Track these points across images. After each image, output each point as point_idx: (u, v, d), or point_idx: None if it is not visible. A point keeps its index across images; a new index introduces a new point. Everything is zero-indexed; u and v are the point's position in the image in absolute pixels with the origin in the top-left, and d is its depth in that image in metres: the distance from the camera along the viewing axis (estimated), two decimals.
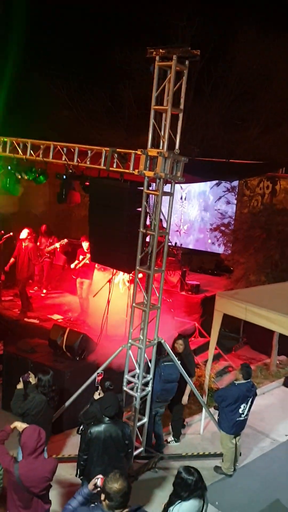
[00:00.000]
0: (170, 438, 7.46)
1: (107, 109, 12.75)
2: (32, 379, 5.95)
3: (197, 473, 4.12)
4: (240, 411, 6.55)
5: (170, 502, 4.10)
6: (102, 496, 3.55)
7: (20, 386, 5.86)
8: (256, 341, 11.47)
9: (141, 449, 6.76)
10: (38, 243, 11.56)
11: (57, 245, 11.65)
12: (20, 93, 12.55)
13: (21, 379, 5.91)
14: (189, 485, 4.02)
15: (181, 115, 6.25)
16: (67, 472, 6.33)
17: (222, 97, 12.81)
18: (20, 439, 4.47)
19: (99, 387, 5.88)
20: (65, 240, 11.74)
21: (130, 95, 12.83)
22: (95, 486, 3.74)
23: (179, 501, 4.04)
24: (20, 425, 4.74)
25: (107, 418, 5.07)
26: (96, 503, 3.65)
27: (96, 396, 5.87)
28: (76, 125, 12.88)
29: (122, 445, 5.10)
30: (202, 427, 7.80)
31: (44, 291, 11.95)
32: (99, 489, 3.69)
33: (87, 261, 10.35)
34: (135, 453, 6.55)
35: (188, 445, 7.44)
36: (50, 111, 13.04)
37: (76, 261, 10.60)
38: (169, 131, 6.10)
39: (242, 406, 6.54)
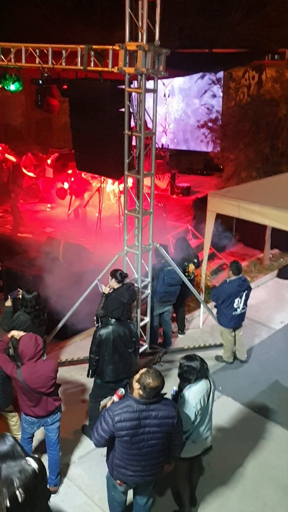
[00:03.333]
0: (176, 330, 7.92)
1: (78, 2, 11.73)
2: None
3: (199, 357, 4.33)
4: (235, 305, 6.76)
5: (180, 389, 4.33)
6: (136, 385, 3.76)
7: (8, 303, 5.77)
8: (249, 238, 11.63)
9: (146, 346, 7.10)
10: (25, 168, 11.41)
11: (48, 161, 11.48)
12: None
13: (9, 296, 5.82)
14: (195, 369, 4.24)
15: (158, 2, 5.75)
16: (78, 373, 6.72)
17: None
18: (17, 347, 4.63)
19: (113, 278, 6.02)
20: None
21: None
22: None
23: (188, 386, 4.26)
24: (17, 334, 4.85)
25: (113, 320, 5.26)
26: (126, 394, 3.89)
27: (107, 290, 6.06)
28: (46, 24, 11.95)
29: (130, 342, 5.36)
30: (201, 322, 8.15)
31: (49, 205, 11.86)
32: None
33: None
34: (140, 350, 6.89)
35: (190, 338, 7.82)
36: (15, 10, 12.00)
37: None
38: (147, 21, 5.66)
39: (236, 301, 6.75)
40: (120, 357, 5.29)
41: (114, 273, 6.06)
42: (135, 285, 6.53)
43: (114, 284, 6.05)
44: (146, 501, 4.20)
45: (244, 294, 6.83)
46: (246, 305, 6.94)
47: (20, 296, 5.75)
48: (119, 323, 5.28)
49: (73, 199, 10.67)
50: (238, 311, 6.83)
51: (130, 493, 4.29)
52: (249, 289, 6.93)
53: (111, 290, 6.06)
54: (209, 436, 4.48)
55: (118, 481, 4.00)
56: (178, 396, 4.29)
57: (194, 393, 4.23)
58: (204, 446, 4.49)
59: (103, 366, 5.29)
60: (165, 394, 3.92)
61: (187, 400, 4.21)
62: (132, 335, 5.37)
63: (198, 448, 4.43)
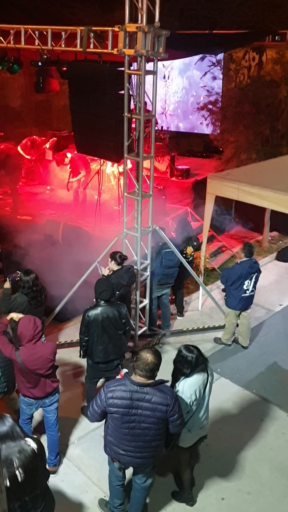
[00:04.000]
0: (175, 312, 7.96)
1: None
2: None
3: (197, 350, 4.25)
4: (245, 287, 6.76)
5: (176, 379, 4.30)
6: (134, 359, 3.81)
7: (6, 285, 5.77)
8: (248, 220, 11.63)
9: (145, 328, 7.16)
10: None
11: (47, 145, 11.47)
12: None
13: (7, 278, 5.81)
14: (190, 362, 4.18)
15: None
16: (76, 355, 6.71)
17: None
18: (16, 329, 4.66)
19: (112, 260, 6.05)
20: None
21: None
22: None
23: (183, 377, 4.23)
24: (16, 316, 4.88)
25: (102, 301, 5.28)
26: (125, 374, 3.93)
27: (106, 272, 6.09)
28: (45, 5, 11.77)
29: (119, 324, 5.36)
30: (200, 304, 8.20)
31: (48, 187, 11.84)
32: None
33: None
34: (140, 332, 6.96)
35: (189, 321, 7.87)
36: None
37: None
38: (147, 2, 5.59)
39: (246, 283, 6.74)
40: (110, 338, 5.31)
41: (113, 255, 6.09)
42: (134, 267, 6.55)
43: (114, 266, 6.08)
44: (144, 481, 4.24)
45: (254, 276, 6.81)
46: (255, 288, 6.91)
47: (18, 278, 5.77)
48: (109, 304, 5.29)
49: (71, 176, 10.62)
50: (247, 293, 6.82)
51: (130, 471, 4.36)
52: (259, 271, 6.90)
53: (111, 272, 6.09)
54: (205, 425, 4.50)
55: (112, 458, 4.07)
56: (173, 386, 4.28)
57: (189, 385, 4.19)
58: (200, 435, 4.50)
59: (93, 346, 5.32)
60: (166, 381, 3.93)
61: (182, 391, 4.19)
62: (122, 317, 5.34)
63: (194, 437, 4.44)
